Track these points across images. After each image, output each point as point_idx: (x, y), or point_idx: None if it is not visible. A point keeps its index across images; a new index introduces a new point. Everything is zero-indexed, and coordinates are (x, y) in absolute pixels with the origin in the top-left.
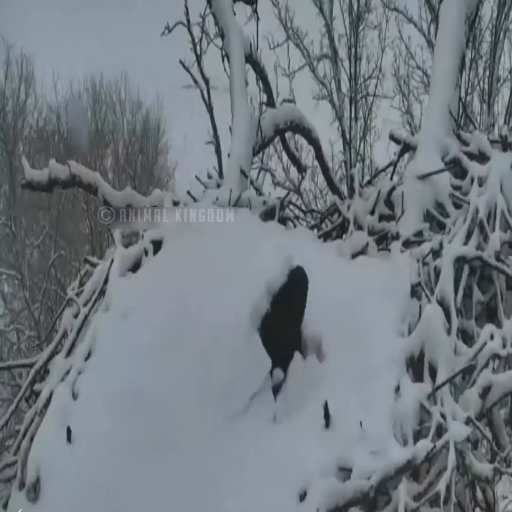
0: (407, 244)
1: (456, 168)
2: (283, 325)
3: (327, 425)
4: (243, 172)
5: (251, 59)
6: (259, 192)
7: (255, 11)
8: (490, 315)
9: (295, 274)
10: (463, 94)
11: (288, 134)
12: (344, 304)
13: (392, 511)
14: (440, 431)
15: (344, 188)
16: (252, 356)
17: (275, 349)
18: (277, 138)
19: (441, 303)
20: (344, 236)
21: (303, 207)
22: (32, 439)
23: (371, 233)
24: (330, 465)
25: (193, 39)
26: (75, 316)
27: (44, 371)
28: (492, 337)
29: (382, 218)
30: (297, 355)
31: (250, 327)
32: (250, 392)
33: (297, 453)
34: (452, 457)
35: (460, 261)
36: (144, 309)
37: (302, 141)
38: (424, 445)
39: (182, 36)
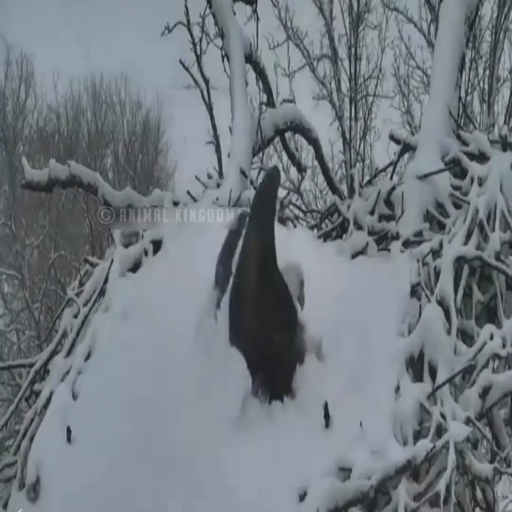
0: (407, 244)
1: (456, 168)
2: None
3: (327, 425)
4: (243, 172)
5: (251, 59)
6: None
7: (255, 11)
8: (490, 315)
9: (265, 178)
10: (463, 94)
11: (288, 134)
12: (344, 304)
13: (392, 511)
14: (440, 431)
15: (344, 188)
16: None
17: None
18: (277, 138)
19: (441, 303)
20: (344, 236)
21: (303, 207)
22: (32, 439)
23: (371, 233)
24: (330, 465)
25: (193, 39)
26: (75, 316)
27: (44, 371)
28: (492, 337)
29: (382, 218)
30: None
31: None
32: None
33: (297, 453)
34: (452, 457)
35: (460, 261)
36: (144, 309)
37: (302, 141)
38: (424, 445)
39: (182, 36)
